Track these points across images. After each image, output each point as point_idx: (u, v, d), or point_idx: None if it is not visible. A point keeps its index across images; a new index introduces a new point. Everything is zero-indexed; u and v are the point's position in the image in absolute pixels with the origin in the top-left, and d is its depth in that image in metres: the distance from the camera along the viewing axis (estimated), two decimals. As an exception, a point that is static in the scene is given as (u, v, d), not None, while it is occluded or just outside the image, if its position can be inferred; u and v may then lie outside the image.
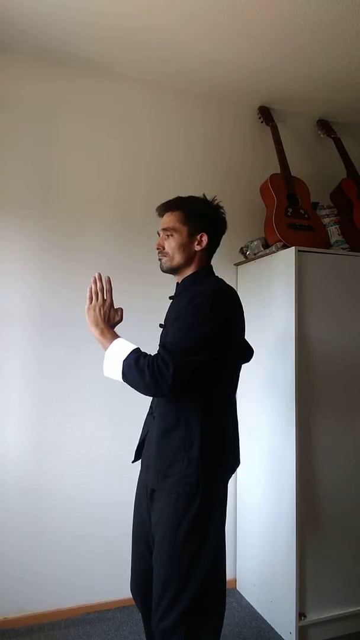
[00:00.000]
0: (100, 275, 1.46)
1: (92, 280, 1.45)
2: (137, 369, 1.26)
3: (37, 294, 2.13)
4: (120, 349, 1.33)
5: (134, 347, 1.34)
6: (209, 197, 1.51)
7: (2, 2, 1.84)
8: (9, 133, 2.13)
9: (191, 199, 1.50)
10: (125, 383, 1.32)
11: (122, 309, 1.48)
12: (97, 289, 1.44)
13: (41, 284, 2.13)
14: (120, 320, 1.48)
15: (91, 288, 1.45)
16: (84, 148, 2.24)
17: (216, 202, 1.50)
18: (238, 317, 1.41)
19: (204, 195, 1.51)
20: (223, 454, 1.40)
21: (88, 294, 1.45)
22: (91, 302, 1.44)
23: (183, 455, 1.32)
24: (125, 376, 1.30)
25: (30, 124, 2.16)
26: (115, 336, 1.39)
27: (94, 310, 1.42)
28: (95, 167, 2.26)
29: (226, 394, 1.43)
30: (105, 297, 1.44)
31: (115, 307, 1.46)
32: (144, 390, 1.28)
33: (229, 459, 1.44)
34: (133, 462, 1.54)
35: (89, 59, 2.22)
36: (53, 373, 2.13)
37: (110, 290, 1.46)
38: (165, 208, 1.48)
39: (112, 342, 1.36)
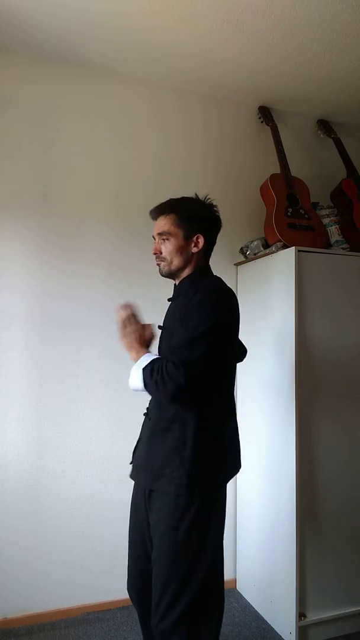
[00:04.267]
0: (125, 304, 1.45)
1: (119, 308, 1.45)
2: (151, 375, 1.27)
3: (37, 294, 2.13)
4: (144, 360, 1.34)
5: (156, 356, 1.35)
6: (201, 196, 1.50)
7: (1, 2, 1.84)
8: (8, 133, 2.12)
9: (184, 201, 1.48)
10: (147, 392, 1.34)
11: (151, 325, 1.47)
12: (126, 316, 1.43)
13: (41, 283, 2.13)
14: (153, 337, 1.47)
15: (122, 317, 1.43)
16: (84, 148, 2.24)
17: (209, 200, 1.49)
18: (235, 316, 1.42)
19: (196, 195, 1.50)
20: (220, 457, 1.39)
21: (120, 323, 1.43)
22: (124, 328, 1.42)
23: (175, 456, 1.32)
24: (146, 385, 1.31)
25: (29, 124, 2.16)
26: (145, 352, 1.39)
27: (128, 337, 1.41)
28: (95, 167, 2.26)
29: (222, 396, 1.42)
30: (136, 322, 1.43)
31: (144, 325, 1.45)
32: (161, 394, 1.29)
33: (228, 464, 1.43)
34: (131, 463, 1.54)
35: (88, 60, 2.21)
36: (53, 373, 2.13)
37: (137, 314, 1.46)
38: (159, 212, 1.47)
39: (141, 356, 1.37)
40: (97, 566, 2.15)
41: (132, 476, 1.49)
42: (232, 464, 1.46)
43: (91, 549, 2.14)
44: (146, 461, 1.39)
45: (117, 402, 2.20)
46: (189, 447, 1.31)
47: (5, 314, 2.08)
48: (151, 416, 1.44)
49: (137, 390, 1.35)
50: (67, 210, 2.19)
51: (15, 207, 2.11)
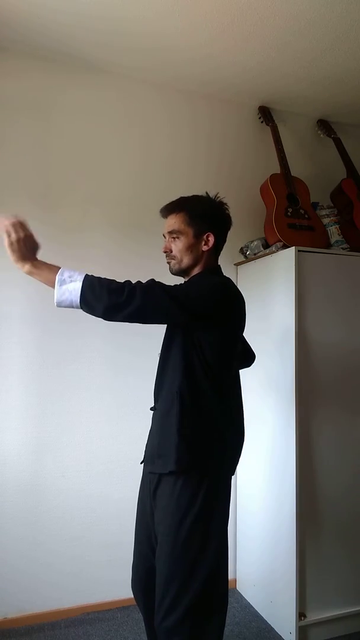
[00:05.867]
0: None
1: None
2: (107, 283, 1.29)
3: (37, 293, 2.12)
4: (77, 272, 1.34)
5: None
6: (211, 195, 1.50)
7: (2, 4, 1.85)
8: (11, 130, 2.12)
9: (194, 199, 1.49)
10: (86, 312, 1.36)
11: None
12: (11, 223, 1.25)
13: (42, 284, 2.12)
14: (39, 246, 1.33)
15: (5, 226, 1.25)
16: (85, 147, 2.24)
17: (219, 199, 1.50)
18: (235, 309, 1.42)
19: (206, 193, 1.51)
20: (218, 436, 1.38)
21: (5, 230, 1.26)
22: (10, 237, 1.25)
23: (175, 436, 1.32)
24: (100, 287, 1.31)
25: (32, 122, 2.16)
26: (53, 265, 1.34)
27: (18, 243, 1.27)
28: (96, 166, 2.25)
29: (217, 380, 1.41)
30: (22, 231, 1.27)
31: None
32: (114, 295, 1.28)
33: (226, 445, 1.42)
34: (142, 462, 1.52)
35: (90, 61, 2.21)
36: (53, 373, 2.13)
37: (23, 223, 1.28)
38: (169, 210, 1.48)
39: (57, 269, 1.34)
40: (97, 566, 2.14)
41: (145, 470, 1.49)
42: (231, 447, 1.45)
43: (91, 548, 2.14)
44: (155, 448, 1.40)
45: (117, 402, 2.20)
46: (186, 424, 1.32)
47: (6, 313, 2.08)
48: (157, 407, 1.45)
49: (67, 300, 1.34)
50: (69, 207, 2.19)
51: (16, 205, 2.10)
